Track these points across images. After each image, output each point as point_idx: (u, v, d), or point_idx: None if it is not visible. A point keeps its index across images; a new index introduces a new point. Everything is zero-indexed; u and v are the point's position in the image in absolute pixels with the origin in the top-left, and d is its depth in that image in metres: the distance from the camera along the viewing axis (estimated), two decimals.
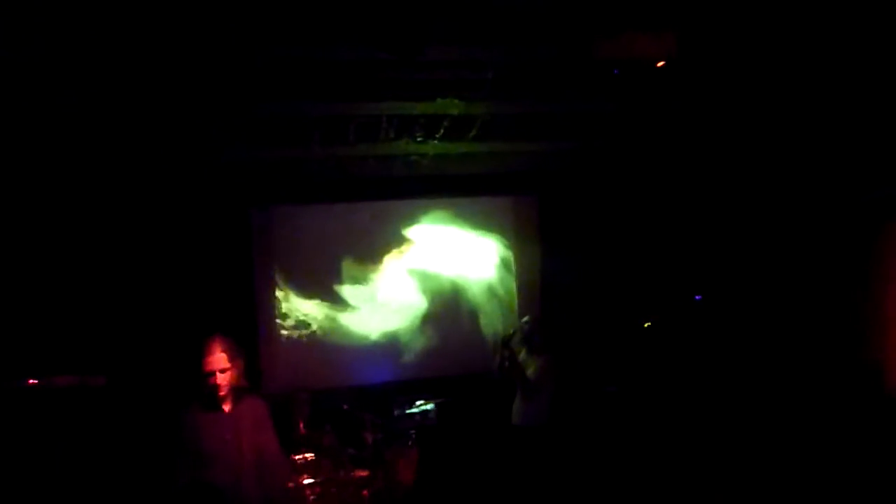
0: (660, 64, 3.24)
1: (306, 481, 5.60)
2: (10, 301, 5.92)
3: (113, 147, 5.77)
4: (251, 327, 7.10)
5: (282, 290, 7.27)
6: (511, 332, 5.95)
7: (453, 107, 5.45)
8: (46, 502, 4.85)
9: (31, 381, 5.32)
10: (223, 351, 3.54)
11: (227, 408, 3.55)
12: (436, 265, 7.63)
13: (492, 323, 7.64)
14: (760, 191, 6.50)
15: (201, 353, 3.51)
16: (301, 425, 5.96)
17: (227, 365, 3.53)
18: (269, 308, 7.23)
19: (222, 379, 3.49)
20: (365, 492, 5.73)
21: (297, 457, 5.73)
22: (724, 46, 4.62)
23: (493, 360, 5.90)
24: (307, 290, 7.32)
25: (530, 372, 5.64)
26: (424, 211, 7.63)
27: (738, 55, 4.80)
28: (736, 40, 4.53)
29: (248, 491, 3.46)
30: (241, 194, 7.09)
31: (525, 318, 6.16)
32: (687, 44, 3.57)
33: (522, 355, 5.81)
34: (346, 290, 7.40)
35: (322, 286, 7.35)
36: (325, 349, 7.32)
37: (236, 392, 3.60)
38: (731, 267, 6.91)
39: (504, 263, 7.81)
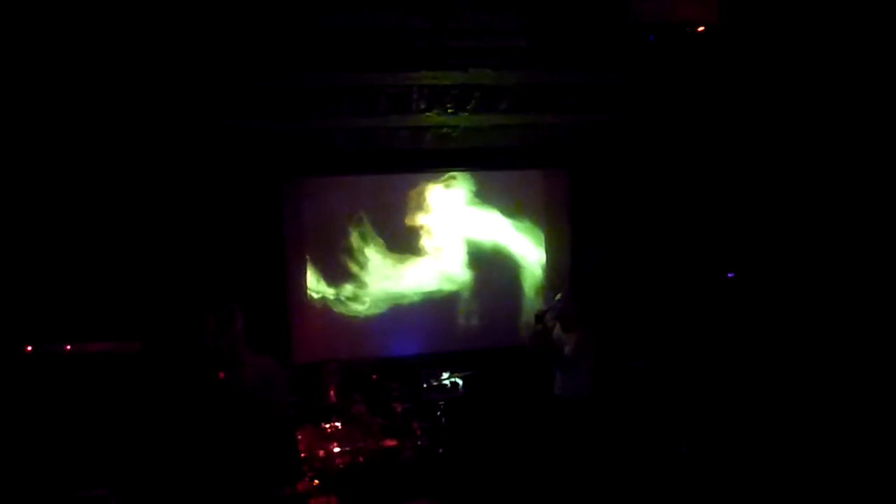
0: (700, 29, 3.15)
1: (336, 449, 5.66)
2: (47, 268, 6.02)
3: (144, 118, 5.81)
4: (281, 297, 7.17)
5: (312, 260, 7.33)
6: (545, 307, 5.93)
7: (485, 77, 5.36)
8: (81, 466, 4.96)
9: (66, 346, 5.45)
10: (212, 315, 3.46)
11: (222, 373, 3.44)
12: (464, 238, 7.63)
13: (520, 297, 7.63)
14: (797, 166, 6.35)
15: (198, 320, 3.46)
16: (331, 394, 6.02)
17: (215, 329, 3.44)
18: (299, 278, 7.31)
19: (213, 341, 3.41)
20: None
21: (326, 425, 5.79)
22: (765, 14, 4.48)
23: (528, 334, 5.89)
24: (337, 261, 7.37)
25: (567, 349, 5.63)
26: (454, 184, 7.61)
27: (779, 25, 4.66)
28: (778, 9, 4.40)
29: (250, 463, 3.38)
30: (273, 165, 7.14)
31: (558, 296, 6.11)
32: (728, 9, 3.47)
33: (557, 331, 5.78)
34: (375, 262, 7.43)
35: (351, 257, 7.38)
36: (354, 320, 7.39)
37: (237, 354, 3.48)
38: (764, 244, 6.78)
39: (533, 237, 7.77)
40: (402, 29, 4.59)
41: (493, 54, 5.04)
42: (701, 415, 6.43)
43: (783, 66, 5.35)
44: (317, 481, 5.41)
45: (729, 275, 7.19)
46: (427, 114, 6.19)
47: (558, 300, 5.98)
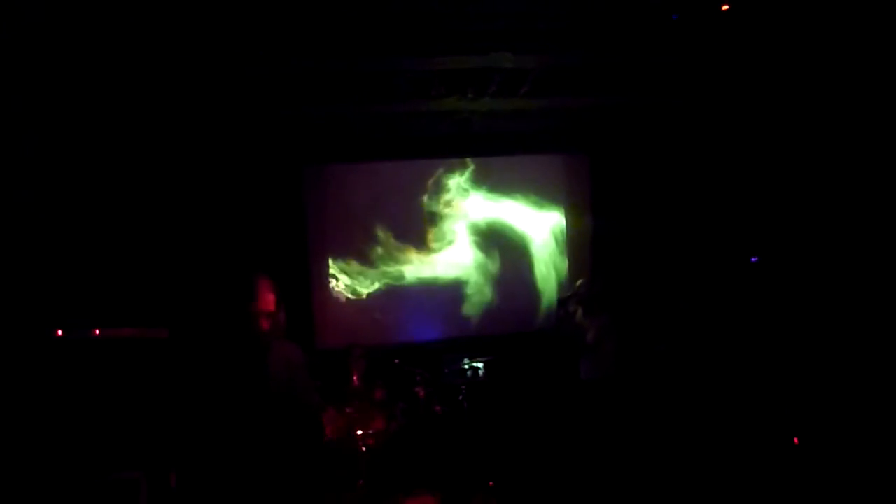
0: (724, 7, 3.11)
1: (358, 432, 5.70)
2: (78, 253, 6.11)
3: (169, 103, 5.86)
4: (304, 283, 7.22)
5: (333, 246, 7.37)
6: (568, 293, 5.96)
7: (506, 60, 5.35)
8: (113, 449, 5.02)
9: (96, 331, 5.52)
10: (272, 293, 3.28)
11: (249, 354, 3.32)
12: (485, 224, 7.62)
13: (541, 282, 7.63)
14: (822, 150, 6.26)
15: (248, 292, 3.22)
16: (355, 378, 6.06)
17: (274, 309, 3.28)
18: (320, 264, 7.36)
19: (267, 323, 3.25)
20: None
21: (349, 409, 5.84)
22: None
23: (552, 320, 5.92)
24: (358, 247, 7.41)
25: (590, 335, 5.64)
26: (474, 169, 7.60)
27: (805, 6, 4.60)
28: None
29: (276, 444, 3.34)
30: (296, 151, 7.18)
31: (580, 281, 6.10)
32: None
33: (579, 317, 5.78)
34: (396, 248, 7.46)
35: (372, 243, 7.42)
36: (375, 305, 7.42)
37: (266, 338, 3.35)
38: (787, 229, 6.70)
39: (554, 222, 7.75)
40: (422, 12, 4.60)
41: (514, 36, 5.03)
42: (724, 399, 6.39)
43: (809, 49, 5.28)
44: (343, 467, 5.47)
45: (752, 259, 7.12)
46: (447, 99, 6.19)
47: (580, 285, 5.98)
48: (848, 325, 5.84)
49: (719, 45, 5.11)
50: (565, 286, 7.47)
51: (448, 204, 7.55)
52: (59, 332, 5.23)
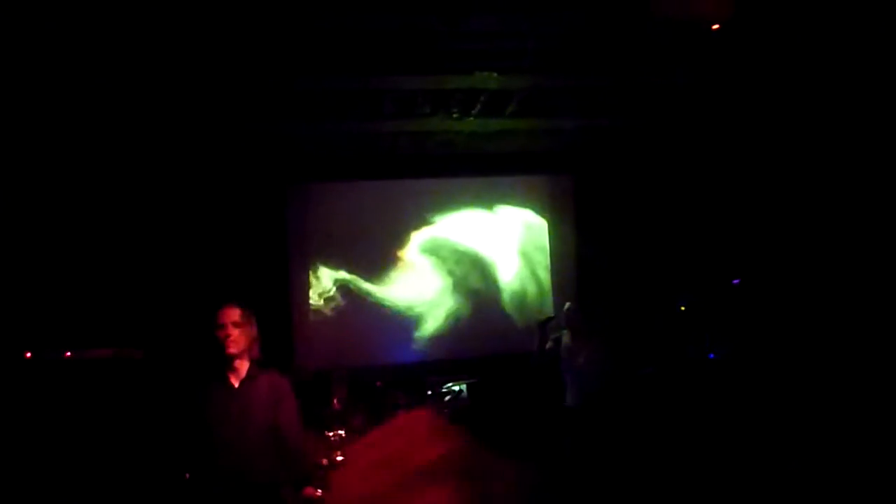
0: (715, 27, 3.10)
1: (338, 458, 5.56)
2: (53, 275, 5.97)
3: (148, 121, 5.77)
4: (285, 303, 7.09)
5: (315, 266, 7.27)
6: (550, 315, 5.79)
7: (491, 80, 5.32)
8: (83, 474, 4.87)
9: (66, 353, 5.37)
10: (237, 307, 3.32)
11: (236, 382, 3.32)
12: (470, 245, 7.57)
13: (526, 304, 7.56)
14: (804, 173, 6.30)
15: (215, 313, 3.29)
16: (335, 402, 5.93)
17: (239, 320, 3.28)
18: (302, 284, 7.25)
19: (234, 333, 3.25)
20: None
21: (329, 434, 5.70)
22: (777, 18, 4.44)
23: (533, 343, 5.72)
24: (341, 268, 7.31)
25: (580, 360, 5.50)
26: (459, 189, 7.56)
27: (790, 31, 4.62)
28: (791, 13, 4.35)
29: (258, 469, 3.27)
30: (278, 171, 7.08)
31: (567, 305, 5.94)
32: (742, 12, 3.41)
33: (566, 340, 5.67)
34: (380, 268, 7.37)
35: (356, 264, 7.33)
36: (358, 327, 7.30)
37: (251, 365, 3.37)
38: (770, 251, 6.72)
39: (539, 244, 7.73)
40: (408, 32, 4.56)
41: (500, 57, 5.01)
42: (710, 422, 6.35)
43: (791, 73, 5.31)
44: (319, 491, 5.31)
45: (734, 281, 7.13)
46: (431, 118, 6.15)
47: (568, 309, 5.83)
48: (839, 343, 5.83)
49: (705, 69, 5.12)
50: (548, 308, 7.42)
51: (432, 224, 7.48)
52: (28, 354, 5.08)
